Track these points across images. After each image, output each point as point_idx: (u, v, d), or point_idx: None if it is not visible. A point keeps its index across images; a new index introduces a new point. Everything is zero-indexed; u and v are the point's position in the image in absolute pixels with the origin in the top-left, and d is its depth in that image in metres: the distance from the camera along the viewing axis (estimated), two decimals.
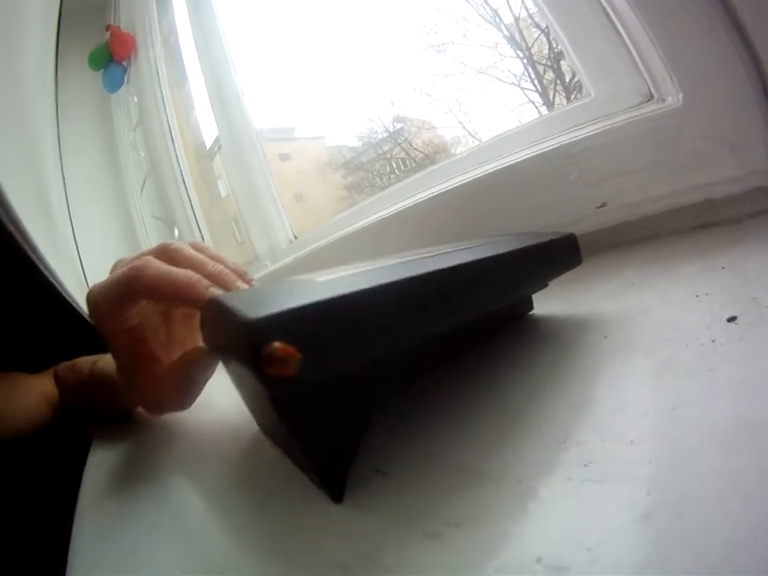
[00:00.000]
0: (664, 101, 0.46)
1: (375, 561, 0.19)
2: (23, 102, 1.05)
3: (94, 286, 0.35)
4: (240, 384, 0.33)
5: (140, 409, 0.53)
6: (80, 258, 1.20)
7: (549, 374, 0.30)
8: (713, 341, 0.26)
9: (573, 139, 0.49)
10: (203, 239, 1.23)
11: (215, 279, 0.33)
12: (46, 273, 0.76)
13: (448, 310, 0.25)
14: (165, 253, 0.35)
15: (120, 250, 1.31)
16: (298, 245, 0.99)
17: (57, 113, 1.29)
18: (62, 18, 1.29)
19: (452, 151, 1.11)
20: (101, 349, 0.57)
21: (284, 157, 1.52)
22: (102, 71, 1.37)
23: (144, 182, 1.39)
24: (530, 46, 1.13)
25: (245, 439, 0.37)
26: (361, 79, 1.30)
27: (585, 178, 0.49)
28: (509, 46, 1.14)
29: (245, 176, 1.09)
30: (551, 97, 1.14)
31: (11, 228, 0.69)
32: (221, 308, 0.23)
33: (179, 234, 1.29)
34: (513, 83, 1.12)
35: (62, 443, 0.56)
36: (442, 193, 0.60)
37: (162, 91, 1.28)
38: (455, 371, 0.34)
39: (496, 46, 1.15)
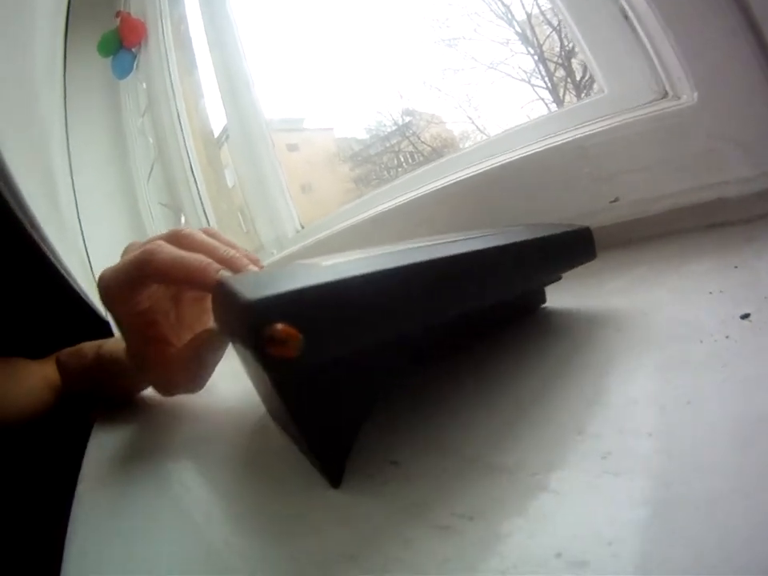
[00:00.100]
0: (678, 98, 0.46)
1: (385, 552, 0.19)
2: (32, 86, 1.05)
3: (106, 269, 0.35)
4: (246, 366, 0.33)
5: (145, 393, 0.54)
6: (85, 244, 1.20)
7: (562, 367, 0.29)
8: (726, 337, 0.26)
9: (587, 133, 0.49)
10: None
11: (226, 263, 0.33)
12: (53, 260, 0.76)
13: (453, 298, 0.25)
14: (176, 238, 0.35)
15: (126, 237, 1.32)
16: (305, 234, 0.99)
17: (65, 98, 1.29)
18: (71, 3, 1.29)
19: (460, 146, 1.11)
20: (103, 336, 0.57)
21: (292, 147, 1.52)
22: (111, 57, 1.37)
23: (151, 169, 1.39)
24: (541, 43, 1.13)
25: (251, 423, 0.37)
26: (370, 71, 1.30)
27: (598, 172, 0.49)
28: (520, 42, 1.14)
29: (253, 165, 1.09)
30: (561, 95, 1.13)
31: (20, 214, 0.70)
32: (226, 289, 0.23)
33: (186, 221, 1.29)
34: (523, 80, 1.12)
35: (63, 428, 0.56)
36: (453, 183, 0.60)
37: (171, 78, 1.28)
38: (467, 362, 0.34)
39: (507, 42, 1.15)
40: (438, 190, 0.61)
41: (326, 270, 0.24)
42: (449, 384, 0.31)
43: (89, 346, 0.55)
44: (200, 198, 1.26)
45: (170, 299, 0.39)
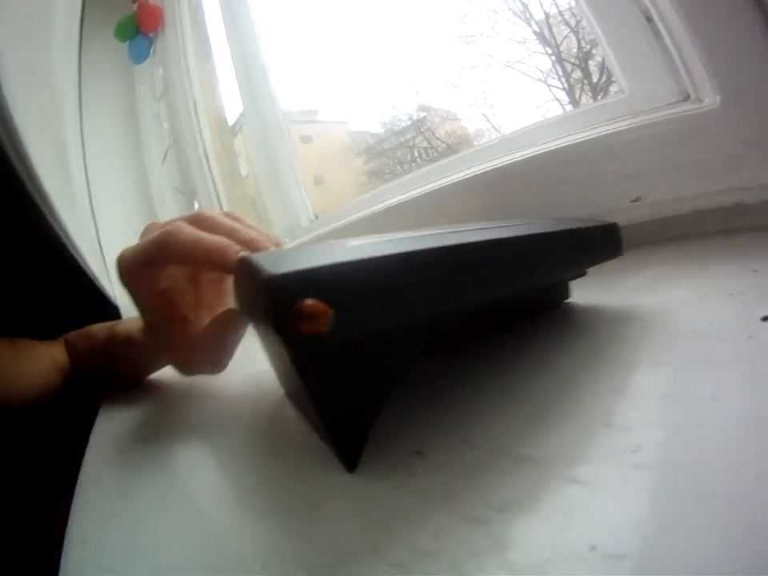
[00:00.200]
0: (701, 102, 0.46)
1: (412, 545, 0.18)
2: (48, 70, 1.05)
3: (125, 249, 0.36)
4: (267, 346, 0.33)
5: (153, 376, 0.54)
6: (96, 227, 1.21)
7: (587, 360, 0.29)
8: (749, 337, 0.26)
9: (613, 130, 0.49)
10: None
11: (247, 245, 0.34)
12: (65, 241, 0.77)
13: (481, 283, 0.25)
14: (197, 220, 0.36)
15: (137, 221, 1.32)
16: (319, 224, 0.99)
17: (80, 82, 1.29)
18: None
19: (474, 143, 1.10)
20: (112, 320, 0.57)
21: (305, 139, 1.52)
22: (127, 42, 1.37)
23: (166, 154, 1.39)
24: (558, 43, 1.13)
25: (268, 407, 0.37)
26: (387, 66, 1.30)
27: (621, 170, 0.49)
28: (537, 42, 1.14)
29: (268, 155, 1.09)
30: (577, 96, 1.13)
31: (35, 195, 0.70)
32: (250, 267, 0.23)
33: (199, 207, 1.29)
34: (539, 79, 1.12)
35: (69, 411, 0.56)
36: (473, 176, 0.60)
37: (187, 65, 1.28)
38: (491, 353, 0.34)
39: (524, 41, 1.14)
40: (457, 182, 0.62)
41: (354, 249, 0.24)
42: (472, 374, 0.31)
43: (99, 327, 0.55)
44: (214, 185, 1.26)
45: (188, 280, 0.39)
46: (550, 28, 1.14)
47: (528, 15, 1.12)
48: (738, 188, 0.43)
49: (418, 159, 1.42)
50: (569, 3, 1.10)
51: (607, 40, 0.56)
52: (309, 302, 0.19)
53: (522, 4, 1.11)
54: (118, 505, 0.28)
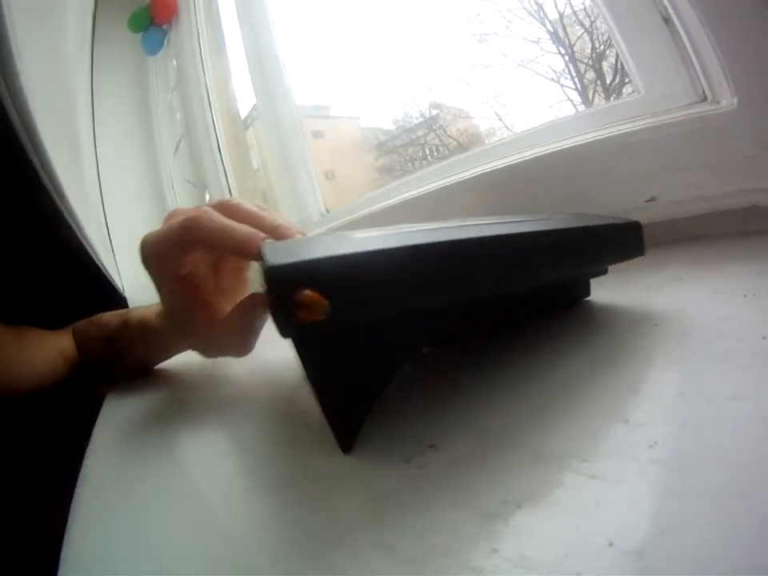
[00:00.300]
0: (718, 103, 0.46)
1: (428, 542, 0.18)
2: (62, 60, 1.06)
3: (149, 233, 0.36)
4: None
5: (159, 366, 0.54)
6: (105, 217, 1.21)
7: (605, 357, 0.29)
8: (764, 337, 0.26)
9: (628, 130, 0.49)
10: None
11: (274, 232, 0.34)
12: (75, 230, 0.77)
13: (477, 280, 0.25)
14: (224, 207, 0.36)
15: (147, 211, 1.32)
16: (330, 218, 0.99)
17: (92, 72, 1.29)
18: None
19: (486, 142, 1.10)
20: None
21: (317, 134, 1.51)
22: (141, 34, 1.37)
23: (178, 146, 1.39)
24: (572, 43, 1.12)
25: (284, 394, 0.37)
26: (400, 63, 1.30)
27: (638, 169, 0.49)
28: (551, 41, 1.13)
29: (281, 148, 1.09)
30: (590, 96, 1.13)
31: (48, 184, 0.70)
32: (261, 255, 0.25)
33: (210, 199, 1.30)
34: (552, 79, 1.12)
35: (76, 400, 0.56)
36: (489, 172, 0.60)
37: (201, 57, 1.28)
38: (509, 350, 0.34)
39: (538, 41, 1.14)
40: (470, 178, 0.62)
41: (355, 241, 0.25)
42: (487, 369, 0.31)
43: (109, 315, 0.55)
44: (226, 177, 1.26)
45: (210, 267, 0.40)
46: (564, 28, 1.13)
47: (542, 15, 1.12)
48: (753, 189, 0.43)
49: (429, 157, 1.42)
50: (583, 3, 1.10)
51: (624, 40, 0.56)
52: (307, 292, 0.20)
53: (537, 3, 1.11)
54: (121, 497, 0.28)
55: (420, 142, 1.43)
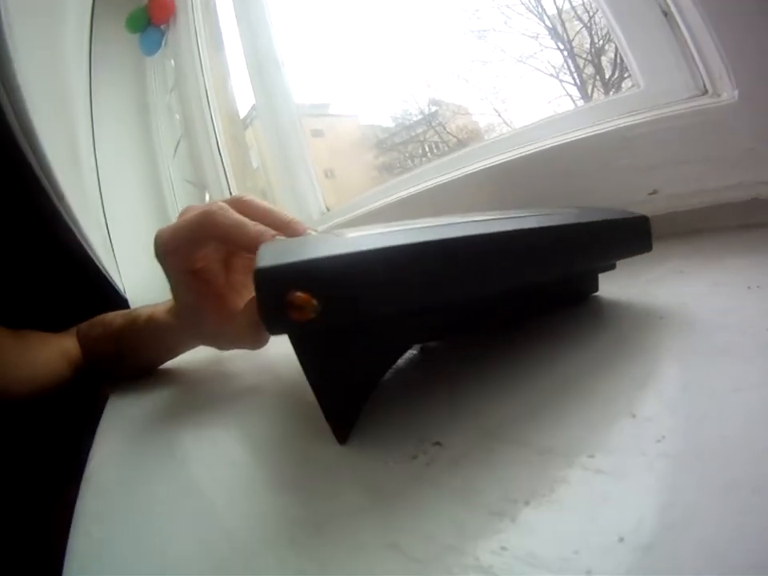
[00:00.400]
0: (719, 96, 0.46)
1: (434, 540, 0.17)
2: (60, 61, 1.06)
3: (164, 227, 0.37)
4: None
5: (162, 366, 0.54)
6: (105, 218, 1.21)
7: (609, 351, 0.29)
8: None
9: (630, 123, 0.49)
10: None
11: (285, 228, 0.35)
12: (75, 232, 0.77)
13: (471, 279, 0.25)
14: (237, 203, 0.37)
15: (147, 212, 1.32)
16: (331, 216, 0.99)
17: (90, 73, 1.29)
18: None
19: (485, 138, 1.10)
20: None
21: (316, 133, 1.51)
22: (139, 34, 1.37)
23: (177, 146, 1.39)
24: (571, 38, 1.12)
25: (287, 391, 0.37)
26: (398, 60, 1.29)
27: (639, 163, 0.49)
28: (550, 37, 1.13)
29: (280, 148, 1.08)
30: (589, 92, 1.13)
31: (47, 185, 0.70)
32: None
33: (210, 199, 1.30)
34: (551, 75, 1.11)
35: (79, 402, 0.56)
36: (489, 167, 0.60)
37: (200, 57, 1.28)
38: (514, 346, 0.33)
39: (537, 37, 1.13)
40: (471, 173, 0.62)
41: (348, 241, 0.25)
42: (493, 365, 0.31)
43: (114, 314, 0.55)
44: (226, 177, 1.26)
45: (221, 263, 0.40)
46: (562, 23, 1.13)
47: (541, 10, 1.12)
48: (755, 182, 0.43)
49: (428, 154, 1.42)
50: None
51: (623, 34, 0.55)
52: (298, 293, 0.20)
53: None
54: (124, 498, 0.28)
55: (419, 139, 1.43)
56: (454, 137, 1.35)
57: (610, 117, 0.53)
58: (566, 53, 1.14)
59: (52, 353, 0.53)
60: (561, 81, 1.12)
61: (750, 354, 0.24)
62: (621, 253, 0.35)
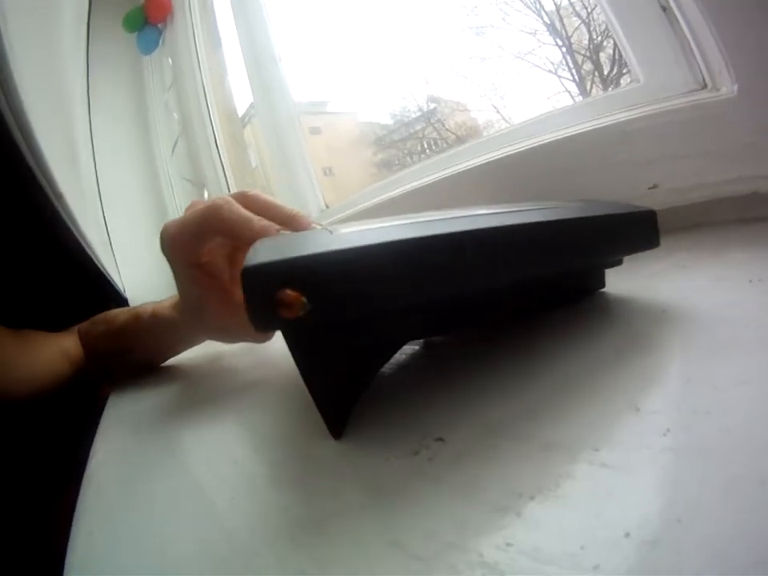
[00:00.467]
0: (718, 90, 0.46)
1: (436, 537, 0.17)
2: (57, 60, 1.05)
3: (171, 221, 0.37)
4: None
5: (164, 364, 0.54)
6: (104, 217, 1.21)
7: (612, 345, 0.29)
8: None
9: (630, 117, 0.49)
10: None
11: (290, 222, 0.35)
12: (74, 231, 0.77)
13: (464, 275, 0.24)
14: (243, 197, 0.37)
15: (145, 210, 1.32)
16: (330, 213, 0.99)
17: (87, 72, 1.29)
18: None
19: (484, 135, 1.10)
20: None
21: (314, 130, 1.51)
22: (136, 33, 1.37)
23: (175, 144, 1.39)
24: (569, 34, 1.12)
25: (287, 388, 0.37)
26: (397, 57, 1.29)
27: (639, 157, 0.49)
28: (548, 33, 1.13)
29: (279, 146, 1.08)
30: (588, 88, 1.13)
31: (44, 183, 0.70)
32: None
33: (209, 197, 1.29)
34: (550, 71, 1.11)
35: (79, 401, 0.56)
36: (489, 162, 0.60)
37: (197, 55, 1.27)
38: (517, 341, 0.33)
39: (535, 33, 1.13)
40: (470, 168, 0.61)
41: (339, 237, 0.25)
42: (496, 360, 0.31)
43: (116, 311, 0.55)
44: (224, 175, 1.26)
45: (226, 258, 0.41)
46: (561, 19, 1.13)
47: (539, 6, 1.12)
48: (755, 176, 0.43)
49: (427, 150, 1.42)
50: None
51: (622, 29, 0.55)
52: (287, 290, 0.20)
53: None
54: (125, 497, 0.28)
55: (418, 136, 1.43)
56: (453, 133, 1.35)
57: (609, 111, 0.53)
58: (564, 49, 1.14)
59: (52, 352, 0.53)
60: (559, 77, 1.12)
61: (753, 347, 0.24)
62: (628, 248, 0.35)
